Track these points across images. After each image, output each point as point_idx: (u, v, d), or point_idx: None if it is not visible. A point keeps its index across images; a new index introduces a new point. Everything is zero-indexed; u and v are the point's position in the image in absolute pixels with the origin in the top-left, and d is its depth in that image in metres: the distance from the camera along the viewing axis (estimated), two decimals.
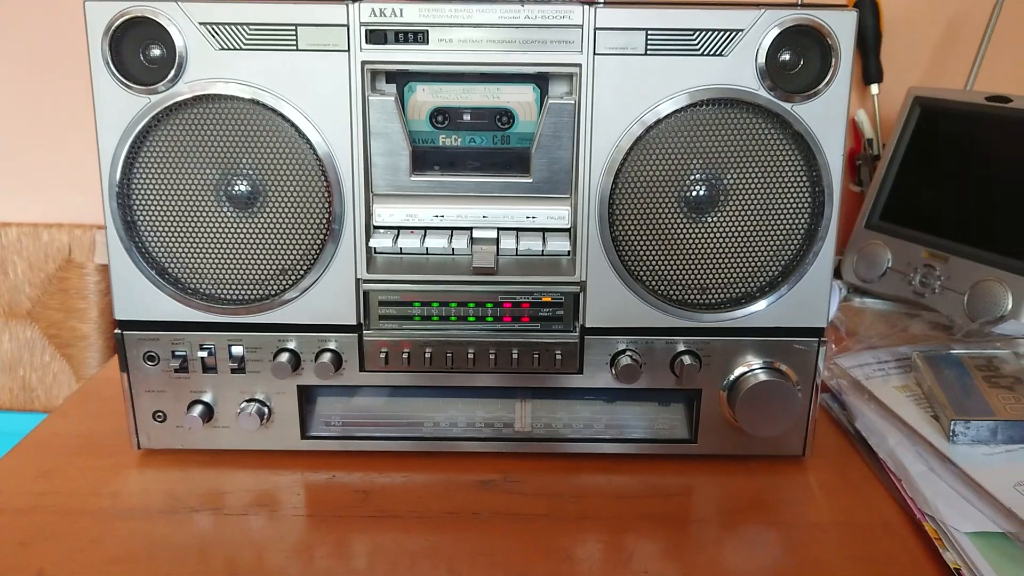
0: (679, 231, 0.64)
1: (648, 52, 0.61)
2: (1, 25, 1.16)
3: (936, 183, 0.98)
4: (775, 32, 0.61)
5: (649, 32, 0.61)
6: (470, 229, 0.66)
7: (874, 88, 1.12)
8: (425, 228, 0.65)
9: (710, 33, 0.61)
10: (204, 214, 0.63)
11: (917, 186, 1.00)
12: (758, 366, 0.66)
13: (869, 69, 1.12)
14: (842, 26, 0.61)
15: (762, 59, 0.61)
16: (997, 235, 0.90)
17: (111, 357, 1.18)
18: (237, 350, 0.66)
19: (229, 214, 0.64)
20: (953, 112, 0.97)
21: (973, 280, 0.90)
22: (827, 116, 0.62)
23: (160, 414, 0.68)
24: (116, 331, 0.67)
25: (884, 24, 1.12)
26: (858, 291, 1.03)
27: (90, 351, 1.17)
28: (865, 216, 1.04)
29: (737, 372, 0.67)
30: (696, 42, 0.61)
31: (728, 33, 0.61)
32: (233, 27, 0.60)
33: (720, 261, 0.65)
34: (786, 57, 0.61)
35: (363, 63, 0.61)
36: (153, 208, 0.63)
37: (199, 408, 0.67)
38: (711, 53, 0.61)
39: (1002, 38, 1.10)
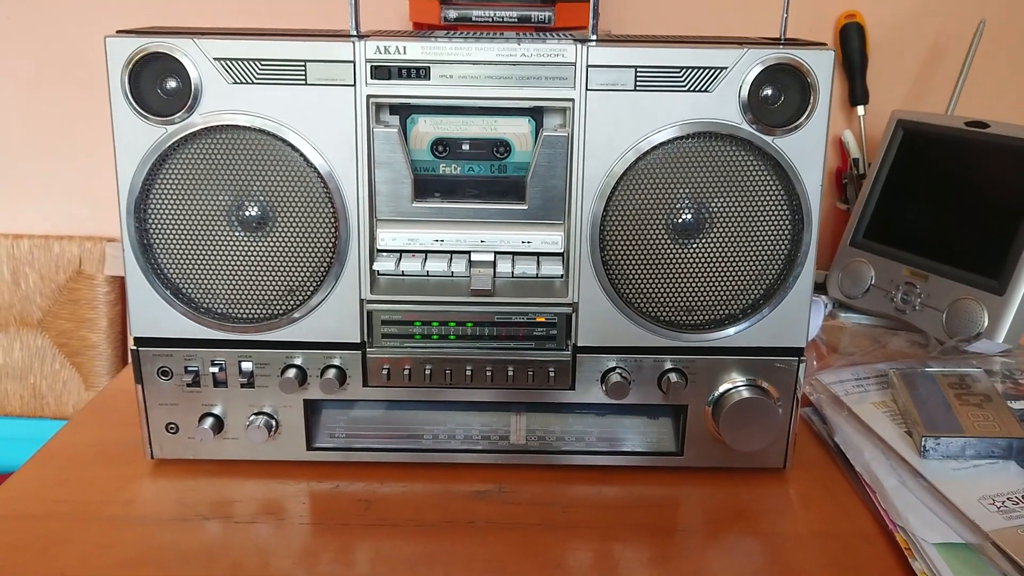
0: (666, 255, 0.68)
1: (637, 88, 0.64)
2: (12, 43, 1.19)
3: (918, 204, 1.02)
4: (757, 70, 0.64)
5: (638, 69, 0.64)
6: (468, 253, 0.69)
7: (860, 109, 1.16)
8: (426, 252, 0.69)
9: (696, 70, 0.64)
10: (216, 237, 0.67)
11: (900, 206, 1.04)
12: (741, 383, 0.70)
13: (855, 91, 1.16)
14: (820, 64, 0.64)
15: (745, 95, 0.64)
16: (975, 256, 0.94)
17: (119, 366, 1.22)
18: (246, 366, 0.70)
19: (240, 237, 0.67)
20: (934, 136, 1.01)
21: (951, 298, 0.94)
22: (806, 148, 0.66)
23: (172, 426, 0.71)
24: (132, 347, 0.70)
25: (870, 48, 1.15)
26: (843, 307, 1.07)
27: (99, 360, 1.20)
28: (850, 234, 1.07)
29: (721, 389, 0.70)
30: (683, 79, 0.64)
31: (713, 71, 0.64)
32: (246, 62, 0.64)
33: (705, 284, 0.68)
34: (768, 93, 0.65)
35: (368, 97, 0.65)
36: (168, 231, 0.67)
37: (210, 420, 0.71)
38: (697, 89, 0.65)
39: (984, 64, 1.14)
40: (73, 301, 1.19)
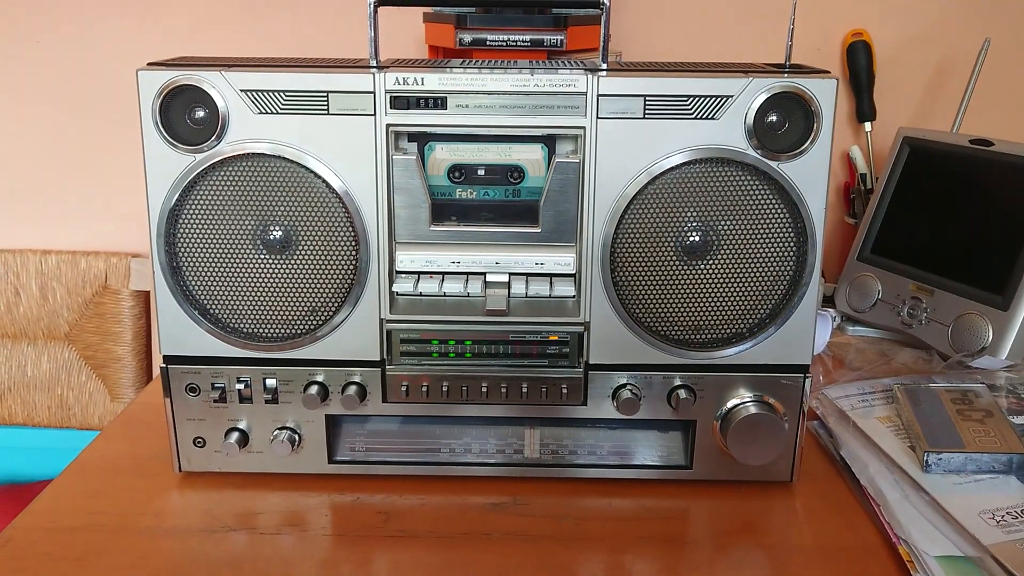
0: (675, 276, 0.70)
1: (646, 116, 0.67)
2: (40, 65, 1.23)
3: (923, 219, 1.04)
4: (762, 98, 0.66)
5: (647, 98, 0.67)
6: (484, 274, 0.72)
7: (867, 125, 1.18)
8: (443, 273, 0.72)
9: (703, 99, 0.67)
10: (243, 260, 0.70)
11: (906, 222, 1.06)
12: (748, 399, 0.72)
13: (862, 108, 1.18)
14: (824, 92, 0.67)
15: (750, 122, 0.67)
16: (979, 272, 0.95)
17: (144, 378, 1.25)
18: (271, 382, 0.73)
19: (265, 260, 0.70)
20: (939, 153, 1.03)
21: (956, 313, 0.95)
22: (810, 173, 0.68)
23: (200, 440, 0.74)
24: (161, 365, 0.73)
25: (877, 65, 1.18)
26: (851, 320, 1.09)
27: (124, 372, 1.23)
28: (857, 249, 1.09)
29: (729, 405, 0.72)
30: (690, 107, 0.67)
31: (719, 99, 0.67)
32: (271, 94, 0.67)
33: (713, 303, 0.71)
34: (773, 119, 0.67)
35: (387, 126, 0.68)
36: (196, 254, 0.70)
37: (236, 435, 0.73)
38: (704, 117, 0.67)
39: (990, 82, 1.15)
40: (99, 315, 1.22)
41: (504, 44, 0.94)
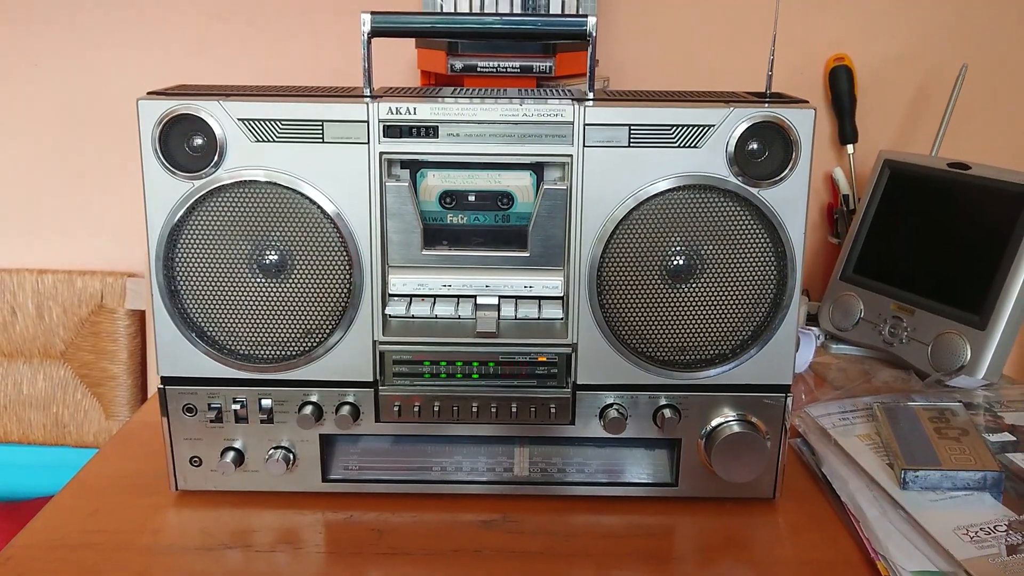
0: (660, 299, 0.72)
1: (631, 144, 0.69)
2: (37, 87, 1.25)
3: (904, 240, 1.06)
4: (743, 127, 0.69)
5: (632, 127, 0.69)
6: (474, 297, 0.74)
7: (850, 148, 1.21)
8: (435, 296, 0.74)
9: (686, 128, 0.69)
10: (239, 283, 0.72)
11: (887, 242, 1.08)
12: (731, 418, 0.74)
13: (844, 130, 1.21)
14: (802, 122, 0.69)
15: (732, 150, 0.69)
16: (958, 292, 0.98)
17: (139, 396, 1.27)
18: (266, 403, 0.74)
19: (261, 283, 0.72)
20: (919, 176, 1.06)
21: (936, 332, 0.98)
22: (790, 199, 0.70)
23: (196, 459, 0.76)
24: (159, 386, 0.74)
25: (858, 89, 1.20)
26: (834, 338, 1.11)
27: (119, 390, 1.25)
28: (840, 268, 1.12)
29: (713, 424, 0.74)
30: (674, 136, 0.69)
31: (702, 128, 0.69)
32: (267, 122, 0.69)
33: (697, 325, 0.73)
34: (753, 147, 0.69)
35: (381, 154, 0.70)
36: (194, 278, 0.72)
37: (231, 454, 0.75)
38: (687, 145, 0.69)
39: (968, 106, 1.18)
40: (95, 334, 1.24)
41: (494, 70, 0.97)
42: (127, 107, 0.69)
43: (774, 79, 0.73)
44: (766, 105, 0.70)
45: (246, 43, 1.23)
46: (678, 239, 0.71)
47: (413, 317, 0.73)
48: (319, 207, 0.70)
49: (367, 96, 0.71)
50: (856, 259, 1.11)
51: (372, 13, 0.72)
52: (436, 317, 0.73)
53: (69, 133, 1.26)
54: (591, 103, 0.70)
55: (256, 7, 1.22)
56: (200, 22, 1.22)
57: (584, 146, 0.69)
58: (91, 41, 1.23)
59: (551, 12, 1.09)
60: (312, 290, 0.72)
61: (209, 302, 0.72)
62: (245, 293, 0.72)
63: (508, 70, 0.97)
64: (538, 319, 0.73)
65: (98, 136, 1.26)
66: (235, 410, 0.75)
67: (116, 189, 1.26)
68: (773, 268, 0.72)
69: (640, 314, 0.72)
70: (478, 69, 0.97)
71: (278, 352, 0.73)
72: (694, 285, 0.72)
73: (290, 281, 0.72)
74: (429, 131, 0.69)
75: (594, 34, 0.72)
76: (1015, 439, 0.81)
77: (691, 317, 0.73)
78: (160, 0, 1.21)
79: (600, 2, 1.16)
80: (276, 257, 0.71)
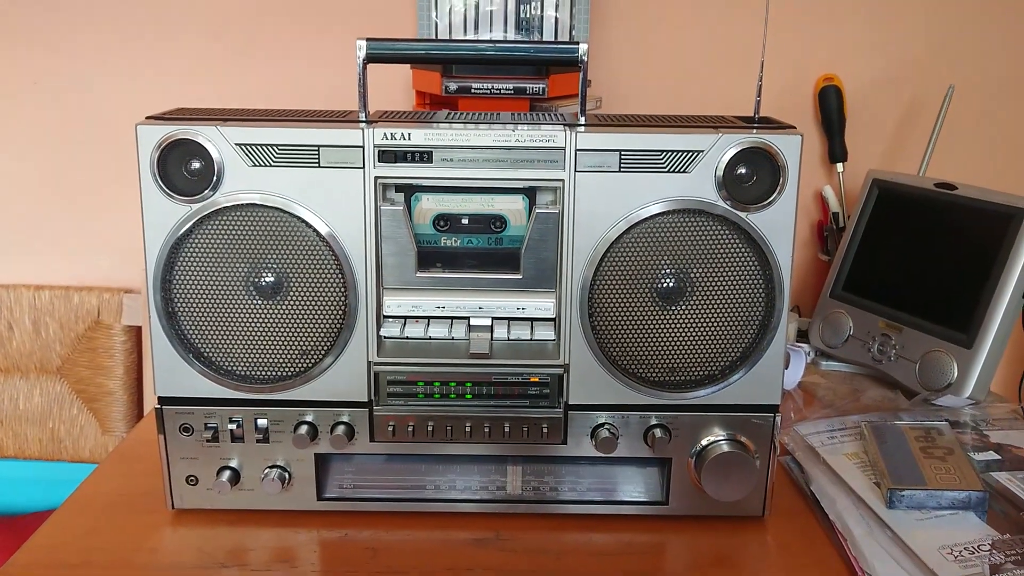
0: (650, 321, 0.73)
1: (622, 169, 0.71)
2: (35, 105, 1.26)
3: (892, 259, 1.08)
4: (731, 152, 0.70)
5: (622, 153, 0.70)
6: (468, 318, 0.75)
7: (839, 166, 1.22)
8: (429, 317, 0.75)
9: (675, 153, 0.70)
10: (236, 305, 0.73)
11: (876, 260, 1.10)
12: (721, 438, 0.75)
13: (834, 149, 1.22)
14: (789, 147, 0.70)
15: (720, 175, 0.70)
16: (945, 310, 0.99)
17: (135, 412, 1.27)
18: (262, 423, 0.75)
19: (257, 305, 0.73)
20: (906, 195, 1.07)
21: (924, 350, 0.99)
22: (777, 223, 0.71)
23: (193, 478, 0.77)
24: (156, 406, 0.75)
25: (847, 109, 1.22)
26: (824, 355, 1.12)
27: (115, 406, 1.25)
28: (830, 286, 1.13)
29: (702, 443, 0.76)
30: (663, 161, 0.70)
31: (691, 153, 0.70)
32: (264, 147, 0.70)
33: (687, 346, 0.74)
34: (741, 171, 0.71)
35: (376, 178, 0.71)
36: (191, 299, 0.73)
37: (227, 473, 0.76)
38: (676, 170, 0.71)
39: (956, 125, 1.20)
40: (91, 349, 1.25)
41: (488, 92, 0.98)
42: (125, 124, 0.70)
43: (766, 97, 0.74)
44: (754, 131, 0.71)
45: (244, 63, 1.24)
46: (668, 262, 0.72)
47: (407, 338, 0.75)
48: (315, 230, 0.71)
49: (363, 121, 0.72)
50: (845, 277, 1.12)
51: (368, 40, 0.73)
52: (430, 338, 0.74)
53: (67, 149, 1.27)
54: (582, 129, 0.71)
55: (254, 28, 1.23)
56: (199, 42, 1.23)
57: (576, 171, 0.71)
58: (90, 59, 1.24)
59: (545, 32, 1.11)
60: (308, 312, 0.73)
61: (206, 323, 0.73)
62: (242, 315, 0.73)
63: (502, 91, 0.98)
64: (530, 340, 0.75)
65: (95, 153, 1.27)
66: (231, 430, 0.75)
67: (113, 206, 1.27)
68: (761, 290, 0.73)
69: (631, 335, 0.74)
70: (472, 90, 0.98)
71: (274, 373, 0.74)
72: (684, 307, 0.73)
73: (286, 303, 0.73)
74: (423, 156, 0.71)
75: (586, 60, 0.74)
76: (1000, 458, 0.82)
77: (681, 338, 0.74)
78: (159, 20, 1.22)
79: (593, 22, 1.17)
80: (272, 279, 0.72)
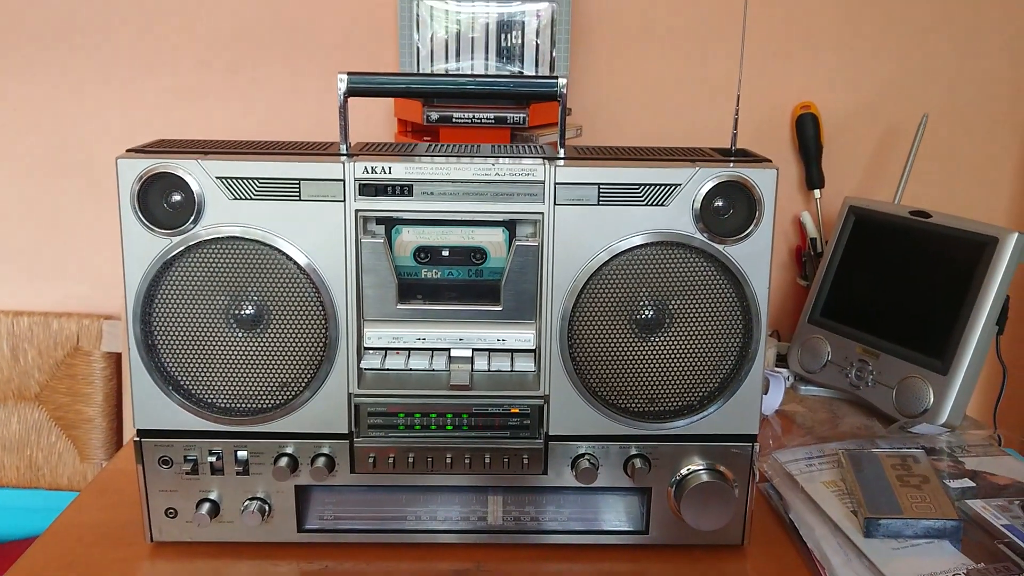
0: (630, 352, 0.74)
1: (600, 202, 0.71)
2: (15, 131, 1.25)
3: (869, 285, 1.09)
4: (709, 186, 0.71)
5: (601, 186, 0.71)
6: (448, 350, 0.75)
7: (816, 193, 1.24)
8: (409, 349, 0.75)
9: (653, 187, 0.71)
10: (216, 337, 0.73)
11: (853, 286, 1.11)
12: (700, 468, 0.76)
13: (811, 176, 1.24)
14: (765, 181, 0.71)
15: (697, 208, 0.71)
16: (921, 336, 1.01)
17: (114, 439, 1.26)
18: (242, 455, 0.75)
19: (238, 337, 0.73)
20: (882, 223, 1.09)
21: (900, 376, 1.00)
22: (754, 255, 0.72)
23: (172, 511, 0.76)
24: (135, 438, 0.75)
25: (824, 136, 1.24)
26: (803, 380, 1.13)
27: (94, 433, 1.24)
28: (808, 311, 1.14)
29: (682, 473, 0.76)
30: (641, 195, 0.71)
31: (668, 187, 0.71)
32: (245, 180, 0.70)
33: (666, 377, 0.75)
34: (718, 204, 0.72)
35: (356, 211, 0.71)
36: (171, 332, 0.72)
37: (207, 506, 0.76)
38: (654, 203, 0.71)
39: (931, 153, 1.22)
40: (70, 376, 1.24)
41: (469, 121, 0.99)
42: (105, 150, 0.70)
43: (744, 124, 0.75)
44: (731, 164, 0.72)
45: (227, 91, 1.24)
46: (646, 294, 0.73)
47: (388, 370, 0.75)
48: (295, 263, 0.71)
49: (344, 154, 0.73)
50: (823, 302, 1.13)
51: (349, 74, 0.73)
52: (411, 370, 0.75)
53: (46, 175, 1.27)
54: (562, 162, 0.72)
55: (238, 56, 1.23)
56: (182, 70, 1.23)
57: (555, 204, 0.71)
58: (70, 85, 1.23)
59: (526, 60, 1.12)
60: (288, 344, 0.73)
61: (186, 356, 0.73)
62: (222, 347, 0.73)
63: (483, 120, 0.99)
64: (511, 371, 0.75)
65: (75, 179, 1.26)
66: (211, 462, 0.75)
67: (93, 231, 1.27)
68: (739, 321, 0.74)
69: (610, 366, 0.74)
70: (454, 119, 0.99)
71: (254, 405, 0.74)
72: (662, 338, 0.74)
73: (267, 335, 0.73)
74: (404, 189, 0.71)
75: (564, 93, 0.75)
76: (975, 485, 0.83)
77: (660, 369, 0.74)
78: (141, 46, 1.22)
79: (573, 51, 1.18)
80: (253, 312, 0.72)
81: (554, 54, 1.11)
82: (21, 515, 1.26)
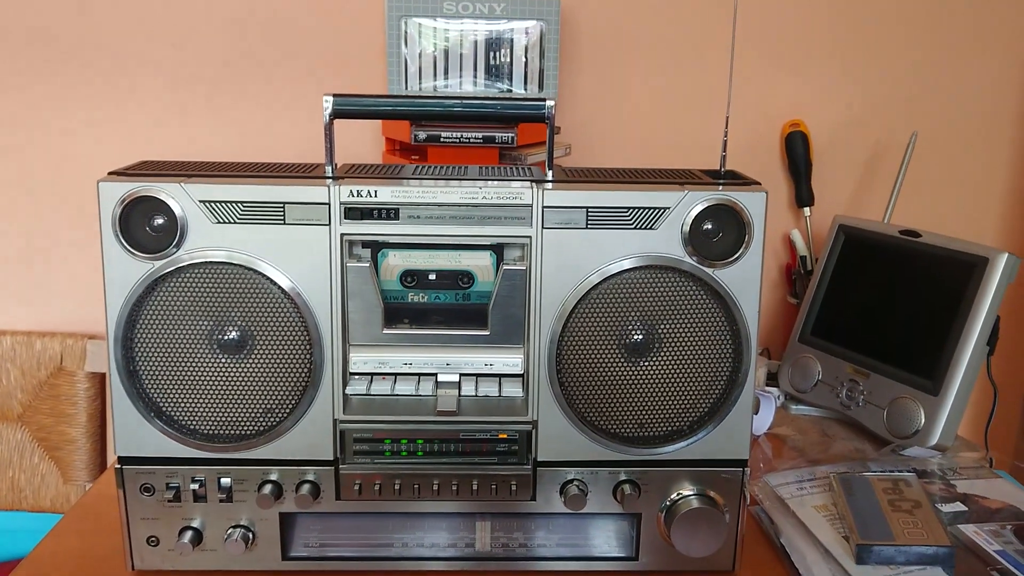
0: (618, 377, 0.73)
1: (589, 226, 0.71)
2: (0, 151, 1.24)
3: (859, 304, 1.08)
4: (697, 209, 0.71)
5: (589, 210, 0.70)
6: (435, 375, 0.74)
7: (806, 210, 1.24)
8: (395, 374, 0.74)
9: (641, 211, 0.71)
10: (199, 363, 0.71)
11: (843, 305, 1.10)
12: (690, 493, 0.75)
13: (801, 194, 1.24)
14: (754, 204, 0.71)
15: (687, 231, 0.71)
16: (911, 356, 1.00)
17: (98, 461, 1.25)
18: (225, 482, 0.74)
19: (221, 363, 0.72)
20: (872, 241, 1.08)
21: (891, 397, 1.00)
22: (743, 279, 0.72)
23: (153, 539, 0.75)
24: (116, 465, 0.74)
25: (813, 154, 1.24)
26: (793, 399, 1.13)
27: (78, 454, 1.23)
28: (799, 330, 1.14)
29: (672, 498, 0.75)
30: (630, 218, 0.71)
31: (657, 210, 0.71)
32: (228, 204, 0.69)
33: (655, 402, 0.74)
34: (707, 227, 0.71)
35: (342, 235, 0.70)
36: (153, 357, 0.71)
37: (189, 534, 0.74)
38: (643, 227, 0.71)
39: (919, 172, 1.22)
40: (54, 396, 1.22)
41: (457, 140, 0.98)
42: (88, 168, 0.69)
43: (734, 142, 0.75)
44: (719, 187, 0.72)
45: (213, 110, 1.23)
46: (635, 318, 0.72)
47: (374, 395, 0.74)
48: (279, 287, 0.70)
49: (329, 177, 0.72)
50: (813, 321, 1.13)
51: (335, 95, 0.73)
52: (397, 395, 0.74)
53: (28, 194, 1.25)
54: (550, 186, 0.71)
55: (220, 77, 1.22)
56: (166, 89, 1.22)
57: (543, 227, 0.71)
58: (53, 104, 1.22)
59: (514, 78, 1.11)
60: (273, 370, 0.72)
61: (168, 382, 0.72)
62: (205, 373, 0.72)
63: (471, 140, 0.98)
64: (499, 396, 0.74)
65: (58, 197, 1.25)
66: (194, 489, 0.74)
67: (76, 250, 1.25)
68: (729, 345, 0.73)
69: (599, 391, 0.73)
70: (442, 139, 0.98)
71: (238, 431, 0.73)
72: (652, 363, 0.73)
73: (250, 361, 0.72)
74: (390, 213, 0.70)
75: (552, 115, 0.74)
76: (967, 509, 0.82)
77: (649, 394, 0.74)
78: (123, 67, 1.21)
79: (562, 70, 1.18)
80: (237, 337, 0.71)
81: (543, 74, 1.11)
82: (3, 537, 1.24)
